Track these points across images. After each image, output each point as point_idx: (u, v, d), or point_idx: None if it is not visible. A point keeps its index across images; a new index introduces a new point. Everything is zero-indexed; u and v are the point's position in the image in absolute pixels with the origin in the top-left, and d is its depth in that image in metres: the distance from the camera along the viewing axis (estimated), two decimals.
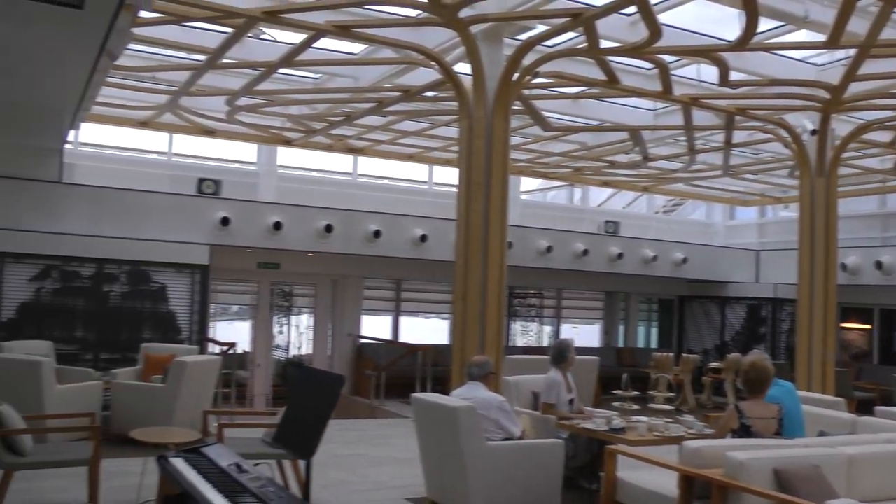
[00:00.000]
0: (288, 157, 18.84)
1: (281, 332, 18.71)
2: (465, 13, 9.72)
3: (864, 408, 10.97)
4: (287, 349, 18.74)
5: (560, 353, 9.31)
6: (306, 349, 18.76)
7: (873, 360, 19.85)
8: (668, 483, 6.54)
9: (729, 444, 6.36)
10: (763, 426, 6.84)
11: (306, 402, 4.98)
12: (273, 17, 9.75)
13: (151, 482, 7.49)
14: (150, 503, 7.47)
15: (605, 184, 20.90)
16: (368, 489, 8.85)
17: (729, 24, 10.49)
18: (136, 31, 10.37)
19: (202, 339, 14.57)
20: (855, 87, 12.13)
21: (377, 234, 16.35)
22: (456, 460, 7.32)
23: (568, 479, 8.51)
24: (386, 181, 20.78)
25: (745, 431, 6.80)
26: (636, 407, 8.96)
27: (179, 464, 4.91)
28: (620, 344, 22.94)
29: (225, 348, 14.37)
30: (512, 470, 7.52)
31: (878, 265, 17.95)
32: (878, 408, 9.35)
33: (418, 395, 8.03)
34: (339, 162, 19.60)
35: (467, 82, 11.03)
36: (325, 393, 4.82)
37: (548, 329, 22.03)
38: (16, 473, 7.28)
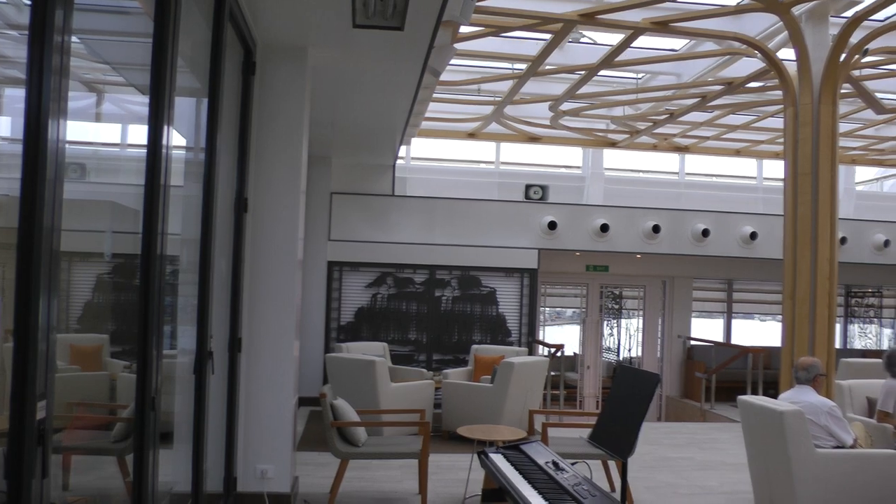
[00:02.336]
0: (614, 158, 18.84)
1: (611, 335, 18.74)
2: None
3: None
4: (617, 351, 18.74)
5: (890, 361, 8.67)
6: (636, 351, 18.68)
7: None
8: None
9: None
10: None
11: (622, 402, 4.97)
12: (589, 19, 9.78)
13: (479, 477, 7.77)
14: (477, 497, 7.74)
15: None
16: (694, 493, 8.67)
17: None
18: (458, 45, 10.79)
19: (531, 342, 14.91)
20: None
21: (705, 233, 16.02)
22: (783, 467, 7.01)
23: None
24: (714, 178, 20.24)
25: None
26: None
27: (499, 459, 5.08)
28: None
29: (553, 350, 14.60)
30: (844, 480, 7.08)
31: None
32: None
33: (745, 397, 7.76)
34: (666, 161, 19.36)
35: (791, 68, 10.55)
36: (640, 392, 4.78)
37: (888, 331, 20.50)
38: (353, 462, 7.79)
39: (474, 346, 13.37)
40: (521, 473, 4.69)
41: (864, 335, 20.11)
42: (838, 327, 19.56)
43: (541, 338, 16.92)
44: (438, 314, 14.81)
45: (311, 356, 13.72)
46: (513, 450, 5.28)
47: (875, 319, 20.34)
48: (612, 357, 18.55)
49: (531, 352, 14.30)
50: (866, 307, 20.25)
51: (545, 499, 4.19)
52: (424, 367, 13.85)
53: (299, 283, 7.55)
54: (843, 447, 7.24)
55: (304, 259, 8.09)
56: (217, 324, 6.29)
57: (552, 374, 14.05)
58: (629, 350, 18.73)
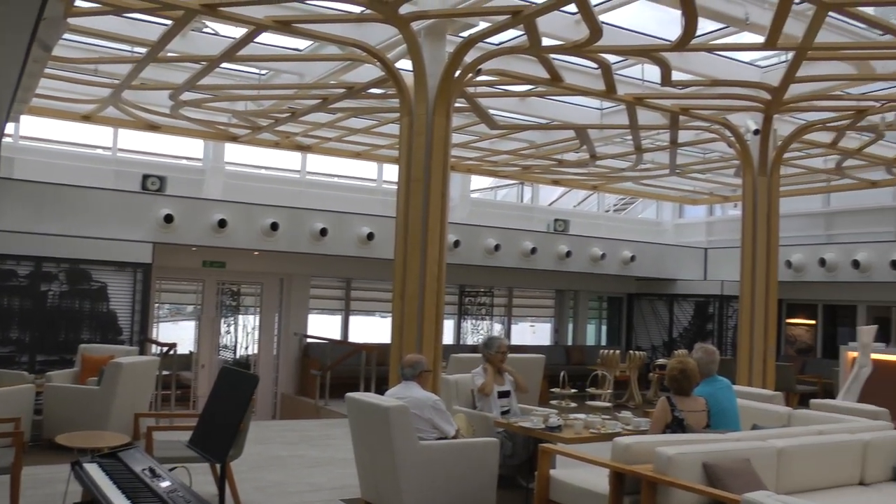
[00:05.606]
0: (236, 153, 18.66)
1: (228, 332, 18.51)
2: (405, 9, 9.62)
3: (806, 401, 11.23)
4: (234, 349, 18.54)
5: (485, 344, 9.35)
6: (253, 349, 18.58)
7: (817, 353, 20.24)
8: (600, 480, 6.53)
9: (659, 439, 6.39)
10: (695, 420, 6.95)
11: (222, 404, 4.88)
12: (212, 10, 9.55)
13: (80, 489, 7.34)
14: None
15: (555, 182, 20.92)
16: (303, 490, 8.76)
17: (675, 25, 10.48)
18: (77, 21, 10.25)
19: (143, 340, 14.36)
20: (799, 89, 12.24)
21: (323, 232, 16.27)
22: (388, 460, 7.24)
23: (507, 478, 8.49)
24: (336, 179, 20.66)
25: (678, 425, 6.88)
26: (574, 404, 8.95)
27: (93, 469, 4.80)
28: (570, 342, 23.00)
29: (165, 349, 14.15)
30: (445, 469, 7.45)
31: (822, 262, 18.52)
32: (813, 401, 9.52)
33: (353, 394, 7.93)
34: (289, 159, 19.47)
35: (409, 79, 10.95)
36: (240, 394, 4.71)
37: (498, 327, 22.04)
38: None
39: (82, 346, 12.61)
40: (115, 483, 4.45)
41: (477, 331, 21.42)
42: (452, 324, 20.72)
43: (156, 335, 16.40)
44: (44, 311, 13.75)
45: None
46: (110, 458, 5.01)
47: (487, 317, 21.76)
48: (228, 355, 18.33)
49: (143, 351, 13.77)
50: (479, 305, 21.61)
51: None
52: (26, 369, 12.81)
53: None
54: (446, 438, 7.62)
55: None
56: None
57: (165, 373, 13.62)
58: (246, 348, 18.60)
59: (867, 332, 12.66)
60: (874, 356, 12.65)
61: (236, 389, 4.80)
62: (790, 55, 10.74)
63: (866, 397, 11.44)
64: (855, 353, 12.96)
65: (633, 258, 20.82)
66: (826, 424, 7.69)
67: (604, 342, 23.87)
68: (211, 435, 4.78)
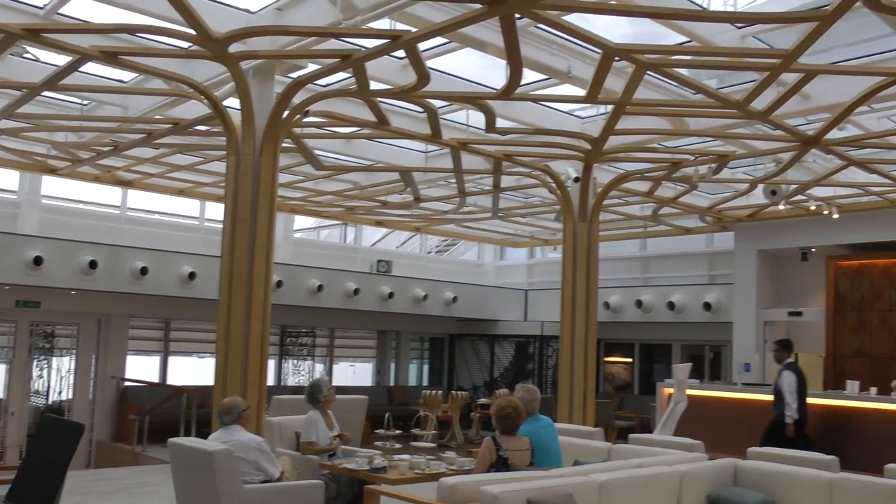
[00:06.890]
0: (54, 186, 17.94)
1: (41, 376, 17.66)
2: (234, 48, 9.54)
3: (625, 436, 11.68)
4: (47, 394, 17.70)
5: (312, 393, 9.32)
6: (68, 394, 17.78)
7: (634, 390, 21.07)
8: None
9: (484, 478, 6.49)
10: (518, 458, 7.12)
11: (42, 455, 4.68)
12: (35, 35, 9.21)
13: None
14: None
15: (379, 223, 21.04)
16: None
17: (498, 69, 10.76)
18: None
19: None
20: (618, 140, 12.79)
21: (144, 271, 15.85)
22: None
23: None
24: (157, 216, 20.16)
25: (503, 464, 7.03)
26: (398, 445, 9.00)
27: None
28: (392, 382, 23.09)
29: None
30: None
31: (639, 303, 19.40)
32: (632, 435, 9.91)
33: (175, 439, 7.76)
34: (109, 194, 18.86)
35: (237, 118, 10.83)
36: (62, 443, 4.53)
37: (320, 368, 21.94)
38: None
39: None
40: None
41: (298, 372, 21.23)
42: (273, 365, 20.46)
43: None
44: None
45: None
46: None
47: (308, 357, 21.61)
48: (41, 401, 17.48)
49: None
50: (300, 346, 21.42)
51: None
52: None
53: None
54: (270, 480, 7.54)
55: None
56: None
57: None
58: (60, 392, 17.78)
59: (682, 369, 13.35)
60: (689, 392, 13.33)
61: (59, 439, 4.61)
62: (610, 108, 11.17)
63: (682, 430, 12.01)
64: (671, 390, 13.59)
65: (454, 299, 21.18)
66: (645, 458, 8.02)
67: (426, 382, 24.13)
68: (32, 488, 4.57)
